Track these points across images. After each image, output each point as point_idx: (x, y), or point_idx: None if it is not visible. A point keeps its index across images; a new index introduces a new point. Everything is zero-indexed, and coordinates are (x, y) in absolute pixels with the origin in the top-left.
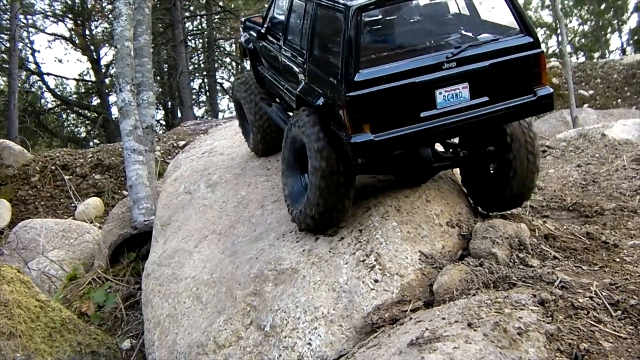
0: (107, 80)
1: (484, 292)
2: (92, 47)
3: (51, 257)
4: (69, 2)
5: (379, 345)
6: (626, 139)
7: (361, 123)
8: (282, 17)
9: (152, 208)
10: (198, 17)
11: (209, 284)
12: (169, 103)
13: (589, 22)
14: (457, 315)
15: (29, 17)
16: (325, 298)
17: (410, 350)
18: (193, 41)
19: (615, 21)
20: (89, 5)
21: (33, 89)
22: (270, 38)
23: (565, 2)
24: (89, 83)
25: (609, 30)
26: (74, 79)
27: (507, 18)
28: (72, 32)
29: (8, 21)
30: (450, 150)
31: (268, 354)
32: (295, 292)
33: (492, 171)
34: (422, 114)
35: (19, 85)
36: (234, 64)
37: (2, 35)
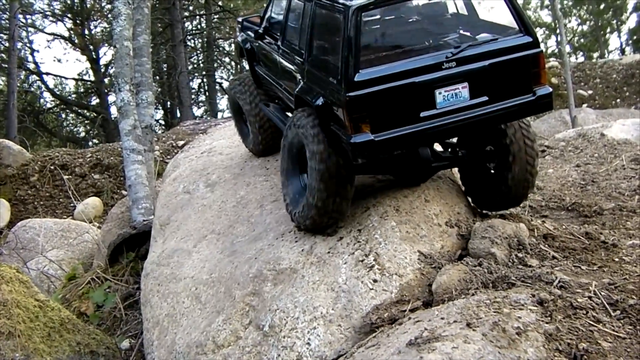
0: (106, 80)
1: (482, 292)
2: (91, 47)
3: (50, 256)
4: (68, 2)
5: (377, 345)
6: (625, 139)
7: (361, 123)
8: (280, 17)
9: (151, 208)
10: (197, 17)
11: (208, 283)
12: (168, 103)
13: (588, 22)
14: (456, 315)
15: (28, 16)
16: (324, 298)
17: (409, 350)
18: (192, 41)
19: (615, 21)
20: (88, 5)
21: (32, 89)
22: (268, 38)
23: (565, 2)
24: (88, 83)
25: (608, 30)
26: (73, 79)
27: (506, 18)
28: (71, 32)
29: (7, 21)
30: (449, 149)
31: (267, 354)
32: (294, 292)
33: (490, 171)
34: (422, 114)
35: (18, 84)
36: (233, 63)
37: (1, 35)
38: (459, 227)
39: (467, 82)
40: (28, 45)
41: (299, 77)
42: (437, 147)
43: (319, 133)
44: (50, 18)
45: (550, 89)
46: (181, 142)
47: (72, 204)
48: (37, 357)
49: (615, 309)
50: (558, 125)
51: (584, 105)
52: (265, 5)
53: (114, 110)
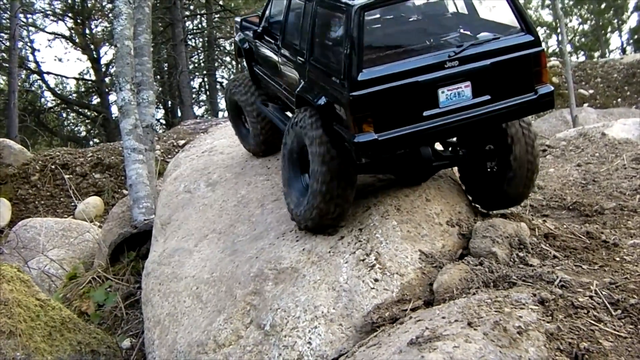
0: (107, 79)
1: (484, 291)
2: (92, 46)
3: (51, 256)
4: (69, 1)
5: (379, 344)
6: (626, 138)
7: (365, 122)
8: (279, 17)
9: (152, 207)
10: (198, 16)
11: (209, 283)
12: (169, 102)
13: (589, 22)
14: (457, 315)
15: (28, 16)
16: (325, 297)
17: (410, 349)
18: (193, 40)
19: (615, 20)
20: (89, 4)
21: (33, 88)
22: (267, 38)
23: (566, 1)
24: (89, 82)
25: (609, 29)
26: (74, 78)
27: (507, 16)
28: (72, 31)
29: (8, 20)
30: (450, 148)
31: (268, 353)
32: (295, 291)
33: (490, 170)
34: (425, 113)
35: (19, 84)
36: (234, 63)
37: (2, 34)
38: (460, 226)
39: (469, 81)
40: (29, 44)
41: (300, 77)
42: (438, 146)
43: (321, 133)
44: (51, 17)
45: (552, 88)
46: (182, 142)
47: (73, 204)
48: (38, 357)
49: (617, 309)
50: (559, 124)
51: (585, 104)
52: (264, 4)
53: (114, 110)
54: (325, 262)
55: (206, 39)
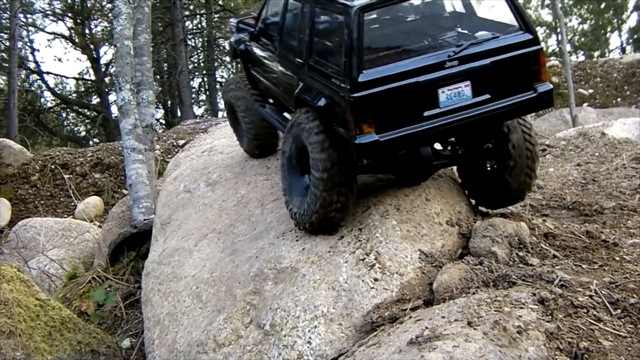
0: (106, 79)
1: (483, 291)
2: (91, 46)
3: (51, 256)
4: (69, 1)
5: (378, 343)
6: (626, 138)
7: (365, 124)
8: (276, 18)
9: (152, 207)
10: (198, 16)
11: (209, 282)
12: (169, 102)
13: (588, 21)
14: (457, 314)
15: (28, 15)
16: (325, 297)
17: (410, 348)
18: (193, 40)
19: (615, 20)
20: (89, 4)
21: (33, 88)
22: (263, 39)
23: (565, 1)
24: (89, 82)
25: (609, 29)
26: (74, 78)
27: (506, 15)
28: (72, 31)
29: (8, 20)
30: (449, 148)
31: (268, 353)
32: (295, 290)
33: (490, 168)
34: (426, 113)
35: (19, 84)
36: (233, 63)
37: (2, 34)
38: (459, 226)
39: (469, 80)
40: (29, 44)
41: (298, 78)
42: (437, 145)
43: (321, 134)
44: (51, 17)
45: (551, 86)
46: (182, 141)
47: (72, 203)
48: (38, 356)
49: (616, 308)
50: (559, 124)
51: (585, 104)
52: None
53: (114, 110)
54: (325, 261)
55: (206, 38)
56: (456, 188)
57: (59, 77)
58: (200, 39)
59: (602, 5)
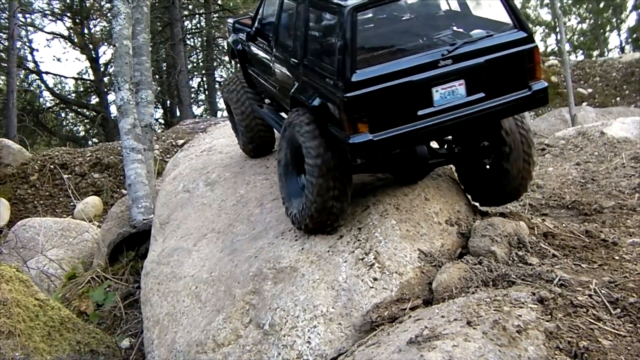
0: (105, 79)
1: (483, 290)
2: (90, 46)
3: (50, 256)
4: (68, 1)
5: (378, 343)
6: (625, 137)
7: (359, 123)
8: (272, 19)
9: (151, 207)
10: (197, 16)
11: (208, 282)
12: (168, 102)
13: (587, 21)
14: (456, 314)
15: (27, 15)
16: (325, 296)
17: (410, 348)
18: (192, 40)
19: (614, 19)
20: (88, 4)
21: (32, 88)
22: (260, 39)
23: (564, 0)
24: (88, 82)
25: (608, 28)
26: (73, 78)
27: (500, 14)
28: (71, 31)
29: (6, 20)
30: (445, 146)
31: (267, 353)
32: (294, 290)
33: (487, 166)
34: (420, 112)
35: (18, 84)
36: (232, 62)
37: (1, 34)
38: (459, 225)
39: (463, 79)
40: (27, 44)
41: (294, 78)
42: (434, 144)
43: (316, 134)
44: (50, 17)
45: (546, 84)
46: (181, 141)
47: (71, 203)
48: (37, 356)
49: (616, 307)
50: (558, 123)
51: (584, 103)
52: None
53: (113, 109)
54: (324, 261)
55: (205, 38)
56: (455, 187)
57: (58, 77)
58: (199, 39)
59: (601, 5)
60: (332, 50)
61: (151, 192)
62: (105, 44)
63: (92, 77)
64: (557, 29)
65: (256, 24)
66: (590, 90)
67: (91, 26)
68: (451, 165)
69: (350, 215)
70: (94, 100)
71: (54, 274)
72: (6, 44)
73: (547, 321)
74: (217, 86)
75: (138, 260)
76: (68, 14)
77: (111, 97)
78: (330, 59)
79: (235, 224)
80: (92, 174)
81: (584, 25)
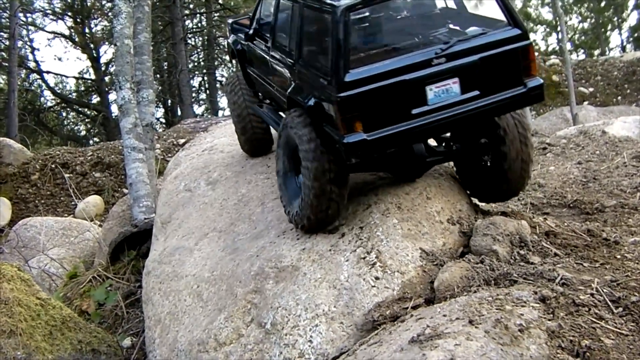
0: (106, 78)
1: (485, 289)
2: (91, 45)
3: (51, 255)
4: (69, 0)
5: (380, 342)
6: (626, 136)
7: (353, 123)
8: (269, 19)
9: (152, 206)
10: (198, 15)
11: (210, 281)
12: (169, 101)
13: (589, 20)
14: (458, 312)
15: (28, 15)
16: (326, 295)
17: (412, 347)
18: (193, 39)
19: (615, 19)
20: (89, 3)
21: (33, 87)
22: (258, 39)
23: None
24: (89, 81)
25: (609, 27)
26: (74, 77)
27: (494, 11)
28: (72, 30)
29: (7, 19)
30: (443, 144)
31: (269, 352)
32: (296, 289)
33: (486, 163)
34: (414, 111)
35: (19, 83)
36: (233, 62)
37: (2, 34)
38: (460, 224)
39: (457, 77)
40: (28, 43)
41: (291, 78)
42: (432, 141)
43: (311, 134)
44: (51, 16)
45: (542, 80)
46: (182, 140)
47: (73, 203)
48: (39, 356)
49: (618, 306)
50: (559, 122)
51: (585, 102)
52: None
53: (114, 109)
54: (326, 260)
55: (206, 37)
56: (457, 186)
57: (59, 76)
58: (200, 38)
59: (603, 4)
60: (326, 51)
61: (152, 192)
62: (107, 43)
63: (93, 77)
64: (559, 28)
65: (254, 24)
66: (591, 89)
67: (92, 25)
68: (451, 163)
69: (351, 214)
70: (95, 99)
71: (55, 273)
72: (7, 43)
73: (549, 320)
74: (218, 85)
75: (139, 260)
76: (69, 13)
77: (112, 96)
78: (324, 59)
79: (237, 223)
80: (93, 173)
81: (585, 24)
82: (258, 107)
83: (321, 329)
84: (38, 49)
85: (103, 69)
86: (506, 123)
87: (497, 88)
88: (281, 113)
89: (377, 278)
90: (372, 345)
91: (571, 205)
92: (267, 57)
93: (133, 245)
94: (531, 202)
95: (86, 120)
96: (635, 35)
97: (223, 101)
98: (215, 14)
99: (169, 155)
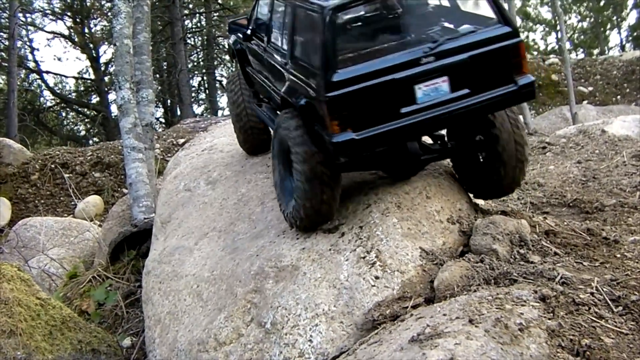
0: (106, 78)
1: (484, 288)
2: (91, 45)
3: (51, 255)
4: (68, 0)
5: (380, 341)
6: (626, 135)
7: (342, 122)
8: (265, 19)
9: (152, 206)
10: (197, 15)
11: (210, 281)
12: (169, 101)
13: (588, 19)
14: (458, 312)
15: (27, 15)
16: (326, 295)
17: (412, 346)
18: (192, 39)
19: (615, 18)
20: (88, 3)
21: (32, 87)
22: (255, 40)
23: None
24: (88, 81)
25: (608, 26)
26: (73, 77)
27: (483, 9)
28: (71, 30)
29: (7, 19)
30: (439, 141)
31: (269, 351)
32: (295, 289)
33: (481, 160)
34: (403, 110)
35: (18, 83)
36: (233, 62)
37: (1, 34)
38: (460, 223)
39: (446, 76)
40: (28, 43)
41: (285, 78)
42: (427, 139)
43: (302, 134)
44: (50, 16)
45: (533, 78)
46: (182, 140)
47: (72, 203)
48: (39, 356)
49: (618, 305)
50: (559, 121)
51: (585, 101)
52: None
53: (114, 109)
54: (325, 259)
55: (205, 37)
56: (457, 185)
57: (58, 76)
58: (200, 38)
59: (602, 3)
60: (315, 51)
61: (152, 191)
62: (106, 43)
63: (92, 77)
64: (558, 27)
65: (251, 25)
66: (591, 88)
67: (92, 25)
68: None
69: (351, 214)
70: (95, 99)
71: (55, 273)
72: (7, 43)
73: (549, 319)
74: (217, 85)
75: (139, 259)
76: (68, 14)
77: (112, 96)
78: (313, 58)
79: (237, 222)
80: (93, 173)
81: (585, 24)
82: (257, 106)
83: (321, 329)
84: (37, 49)
85: (102, 69)
86: (501, 121)
87: (487, 86)
88: (279, 112)
89: (377, 277)
90: (372, 345)
91: (571, 204)
92: (264, 57)
93: (133, 245)
94: (531, 201)
95: (86, 120)
96: (635, 34)
97: (222, 101)
98: (215, 14)
99: (169, 155)
